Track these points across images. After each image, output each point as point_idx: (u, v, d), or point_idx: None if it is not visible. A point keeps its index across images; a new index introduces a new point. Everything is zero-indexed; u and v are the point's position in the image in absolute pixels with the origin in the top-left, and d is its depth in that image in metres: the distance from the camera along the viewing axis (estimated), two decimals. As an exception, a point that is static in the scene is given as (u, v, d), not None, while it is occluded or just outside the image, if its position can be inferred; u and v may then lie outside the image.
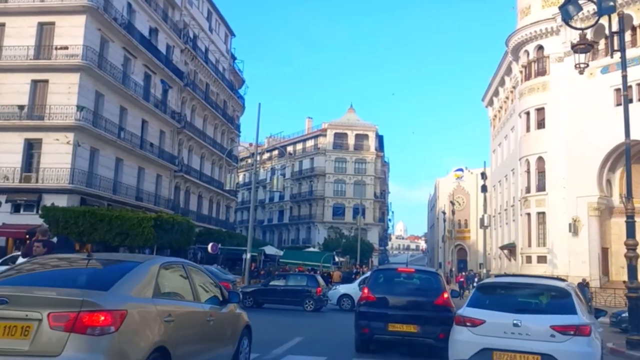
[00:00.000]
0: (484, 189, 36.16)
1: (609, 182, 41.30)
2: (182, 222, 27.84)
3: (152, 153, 37.06)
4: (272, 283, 21.29)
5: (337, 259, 40.37)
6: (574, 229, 40.02)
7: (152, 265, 5.61)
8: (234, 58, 56.23)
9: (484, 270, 34.39)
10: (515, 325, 7.19)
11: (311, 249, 50.20)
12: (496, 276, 19.51)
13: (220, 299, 6.96)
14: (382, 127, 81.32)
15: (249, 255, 24.39)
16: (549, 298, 8.05)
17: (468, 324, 7.55)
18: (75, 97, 28.95)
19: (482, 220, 34.72)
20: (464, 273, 47.13)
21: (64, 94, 28.96)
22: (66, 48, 29.07)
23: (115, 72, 32.38)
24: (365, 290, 10.40)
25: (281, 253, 38.13)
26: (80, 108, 28.50)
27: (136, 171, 35.51)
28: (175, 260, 6.48)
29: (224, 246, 35.87)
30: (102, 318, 4.41)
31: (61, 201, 27.63)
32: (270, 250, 39.03)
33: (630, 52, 39.16)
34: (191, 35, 44.10)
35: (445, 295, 9.99)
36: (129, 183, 34.33)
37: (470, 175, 76.82)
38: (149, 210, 30.72)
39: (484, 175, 36.81)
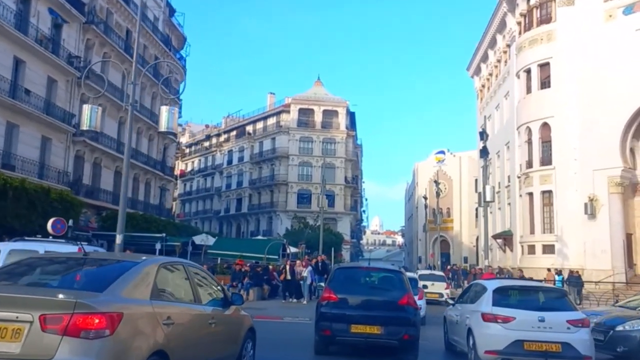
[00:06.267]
0: (484, 152, 26.80)
1: (632, 151, 32.81)
2: (27, 189, 17.95)
3: (33, 106, 27.14)
4: None
5: (288, 250, 31.13)
6: (590, 209, 31.47)
7: (150, 265, 5.38)
8: (172, 9, 46.29)
9: (486, 262, 25.27)
10: (540, 320, 8.97)
11: (259, 237, 40.97)
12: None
13: (223, 300, 6.80)
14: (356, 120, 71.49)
15: (119, 239, 14.96)
16: (553, 298, 10.12)
17: (499, 320, 9.08)
18: None
19: (481, 195, 25.52)
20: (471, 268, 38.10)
21: None
22: None
23: (-41, -20, 22.53)
24: (327, 290, 10.07)
25: (211, 242, 28.69)
26: None
27: (3, 128, 25.56)
28: (175, 260, 6.41)
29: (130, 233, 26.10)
30: (97, 321, 4.19)
31: None
32: (200, 239, 29.49)
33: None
34: (101, -39, 34.03)
35: (410, 295, 9.90)
36: (-11, 143, 24.42)
37: (453, 159, 68.51)
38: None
39: (483, 134, 27.49)
